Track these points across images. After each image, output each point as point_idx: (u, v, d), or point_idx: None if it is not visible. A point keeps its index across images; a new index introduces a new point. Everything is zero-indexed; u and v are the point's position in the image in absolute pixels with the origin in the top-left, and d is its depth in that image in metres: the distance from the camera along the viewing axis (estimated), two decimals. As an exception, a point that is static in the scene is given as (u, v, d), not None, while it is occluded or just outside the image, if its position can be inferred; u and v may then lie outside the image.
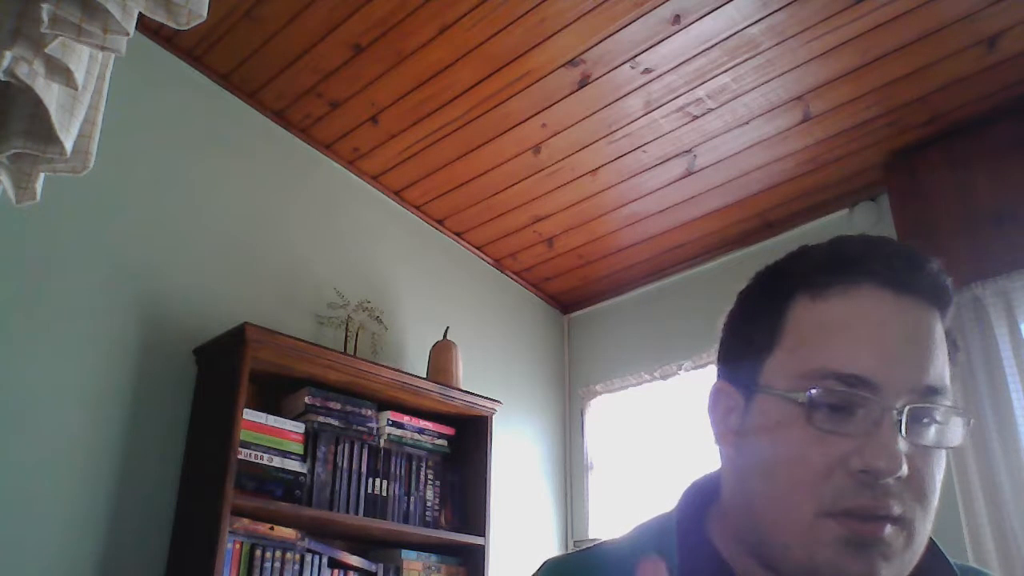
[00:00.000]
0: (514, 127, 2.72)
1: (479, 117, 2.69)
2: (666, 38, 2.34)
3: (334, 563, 2.40)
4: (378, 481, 2.54)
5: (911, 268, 0.64)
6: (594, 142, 2.76)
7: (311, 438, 2.42)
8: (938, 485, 0.61)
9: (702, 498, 0.72)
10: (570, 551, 3.03)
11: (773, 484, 0.62)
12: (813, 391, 0.61)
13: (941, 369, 0.62)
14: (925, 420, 0.61)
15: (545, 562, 0.74)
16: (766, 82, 2.45)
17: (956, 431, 0.62)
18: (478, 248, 3.39)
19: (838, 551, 0.59)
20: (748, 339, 0.68)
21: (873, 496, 0.58)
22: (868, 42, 2.27)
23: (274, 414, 2.38)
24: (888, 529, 0.58)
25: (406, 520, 2.57)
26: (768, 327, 0.66)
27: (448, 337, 2.92)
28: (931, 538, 0.67)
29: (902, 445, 0.59)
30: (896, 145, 2.64)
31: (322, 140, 2.89)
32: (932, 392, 0.61)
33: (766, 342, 0.66)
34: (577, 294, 3.62)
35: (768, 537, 0.63)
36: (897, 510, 0.59)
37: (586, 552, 0.74)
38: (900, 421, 0.59)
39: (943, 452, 0.62)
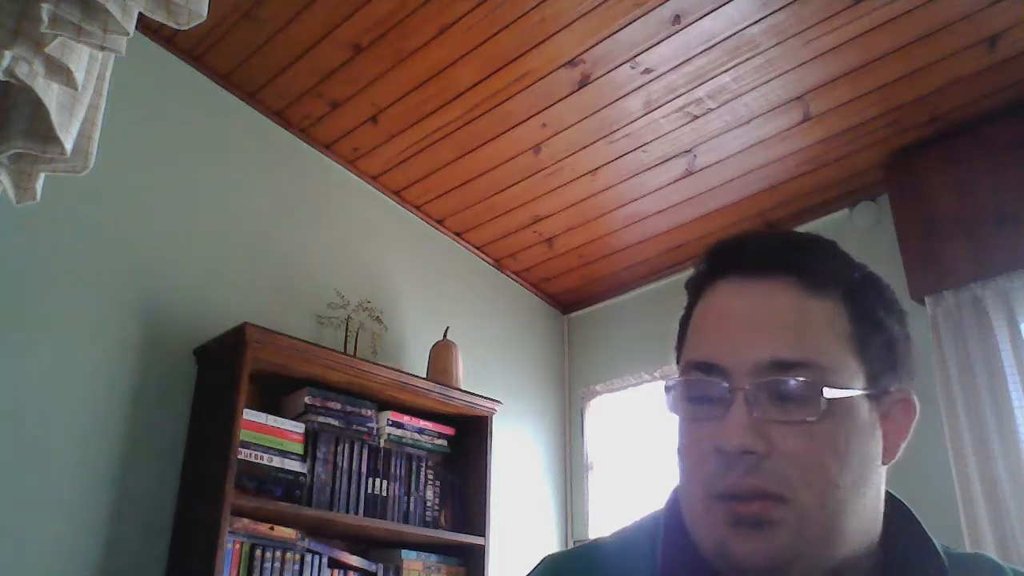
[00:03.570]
0: (514, 127, 2.72)
1: (479, 117, 2.69)
2: (666, 38, 2.34)
3: (334, 563, 2.40)
4: (378, 481, 2.54)
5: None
6: (594, 142, 2.76)
7: (311, 438, 2.42)
8: (826, 460, 0.60)
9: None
10: (569, 548, 3.02)
11: (680, 474, 0.67)
12: (671, 382, 0.66)
13: (796, 343, 0.62)
14: (779, 395, 0.61)
15: (543, 559, 0.76)
16: (766, 82, 2.45)
17: (820, 404, 0.60)
18: (478, 248, 3.39)
19: (727, 532, 0.61)
20: (678, 347, 0.73)
21: (736, 475, 0.60)
22: (868, 42, 2.27)
23: (274, 414, 2.38)
24: (769, 507, 0.59)
25: (406, 520, 2.57)
26: (682, 335, 0.72)
27: (448, 337, 2.92)
28: (921, 528, 0.67)
29: (745, 420, 0.60)
30: (896, 145, 2.64)
31: (322, 140, 2.89)
32: (781, 367, 0.61)
33: (681, 348, 0.71)
34: (577, 294, 3.62)
35: (688, 525, 0.66)
36: (771, 488, 0.59)
37: (583, 548, 0.76)
38: (747, 399, 0.61)
39: (826, 426, 0.60)
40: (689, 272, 0.73)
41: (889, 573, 0.65)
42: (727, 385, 0.62)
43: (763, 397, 0.61)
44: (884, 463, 0.65)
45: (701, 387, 0.64)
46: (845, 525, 0.61)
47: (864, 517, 0.63)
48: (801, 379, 0.61)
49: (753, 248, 0.67)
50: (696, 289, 0.71)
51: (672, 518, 0.71)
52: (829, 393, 0.60)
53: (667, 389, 0.70)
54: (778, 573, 0.60)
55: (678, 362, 0.71)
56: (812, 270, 0.65)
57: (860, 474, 0.62)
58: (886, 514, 0.67)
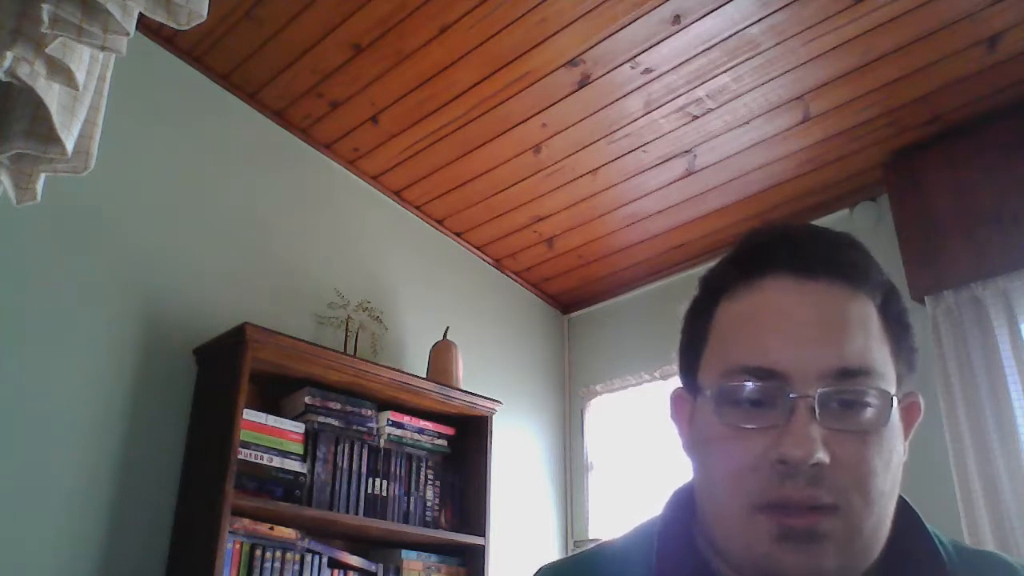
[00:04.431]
0: (514, 127, 2.72)
1: (479, 117, 2.69)
2: (666, 38, 2.34)
3: (334, 563, 2.40)
4: (378, 481, 2.54)
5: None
6: (594, 142, 2.76)
7: (311, 438, 2.42)
8: (877, 468, 0.59)
9: (686, 505, 0.71)
10: (567, 555, 3.03)
11: (712, 483, 0.64)
12: (723, 388, 0.62)
13: (860, 350, 0.60)
14: (843, 404, 0.59)
15: (541, 568, 0.75)
16: (766, 82, 2.45)
17: (880, 412, 0.59)
18: (478, 248, 3.39)
19: (773, 545, 0.58)
20: (689, 345, 0.69)
21: (796, 486, 0.58)
22: (868, 42, 2.27)
23: (274, 414, 2.38)
24: (821, 519, 0.58)
25: (406, 520, 2.57)
26: (701, 332, 0.68)
27: (448, 337, 2.92)
28: (922, 525, 0.67)
29: (816, 432, 0.58)
30: (896, 145, 2.64)
31: (322, 140, 2.89)
32: (847, 375, 0.59)
33: (701, 346, 0.68)
34: (577, 294, 3.62)
35: (718, 537, 0.64)
36: (826, 499, 0.58)
37: (580, 556, 0.75)
38: (813, 408, 0.58)
39: (879, 434, 0.59)
40: (691, 271, 0.72)
41: (890, 571, 0.65)
42: (789, 392, 0.59)
43: (826, 406, 0.59)
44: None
45: (755, 393, 0.61)
46: (881, 533, 0.61)
47: (889, 521, 0.63)
48: (865, 388, 0.59)
49: (803, 246, 0.64)
50: (724, 285, 0.67)
51: (670, 525, 0.70)
52: (893, 402, 0.60)
53: (677, 395, 0.68)
54: None
55: (693, 362, 0.68)
56: (859, 272, 0.63)
57: (896, 479, 0.62)
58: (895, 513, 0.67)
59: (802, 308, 0.62)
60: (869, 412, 0.59)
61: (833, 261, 0.63)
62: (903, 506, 0.68)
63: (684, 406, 0.70)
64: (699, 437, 0.66)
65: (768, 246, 0.65)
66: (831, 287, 0.62)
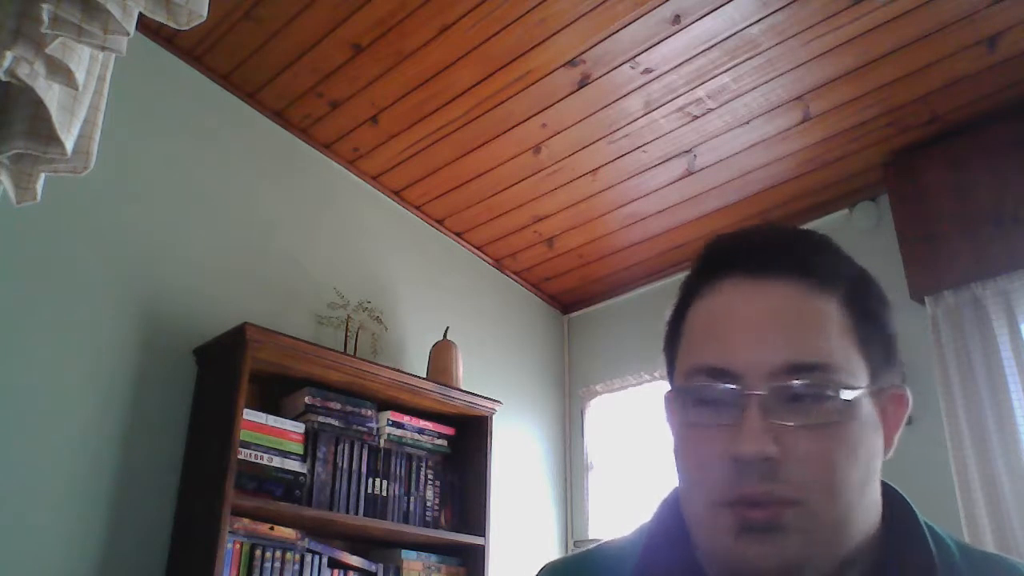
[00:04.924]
0: (514, 127, 2.72)
1: (479, 117, 2.69)
2: (666, 38, 2.34)
3: (334, 563, 2.40)
4: (378, 481, 2.54)
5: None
6: (594, 142, 2.76)
7: (311, 438, 2.42)
8: (839, 461, 0.59)
9: (679, 504, 0.72)
10: (568, 553, 3.03)
11: (682, 481, 0.66)
12: (685, 388, 0.64)
13: (811, 345, 0.61)
14: (795, 399, 0.60)
15: (543, 567, 0.77)
16: (766, 82, 2.45)
17: (838, 406, 0.60)
18: (478, 248, 3.39)
19: (736, 538, 0.60)
20: (667, 348, 0.71)
21: (752, 482, 0.59)
22: (868, 42, 2.27)
23: (274, 414, 2.38)
24: (781, 511, 0.59)
25: (406, 520, 2.57)
26: (676, 335, 0.70)
27: (448, 337, 2.92)
28: (916, 520, 0.67)
29: (766, 428, 0.59)
30: (896, 145, 2.64)
31: (322, 140, 2.89)
32: (797, 370, 0.60)
33: (675, 349, 0.69)
34: (577, 294, 3.62)
35: (691, 535, 0.66)
36: (785, 493, 0.59)
37: (580, 554, 0.77)
38: (764, 405, 0.60)
39: (839, 427, 0.60)
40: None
41: (883, 567, 0.65)
42: (741, 390, 0.61)
43: (779, 402, 0.60)
44: (884, 458, 0.65)
45: (710, 392, 0.62)
46: (852, 524, 0.61)
47: (867, 513, 0.63)
48: (818, 382, 0.60)
49: (758, 246, 0.66)
50: (694, 288, 0.69)
51: (660, 524, 0.71)
52: (845, 394, 0.60)
53: (667, 397, 0.69)
54: None
55: (671, 365, 0.70)
56: (817, 269, 0.64)
57: (867, 472, 0.62)
58: (884, 506, 0.67)
59: (755, 307, 0.63)
60: (824, 406, 0.60)
61: (786, 259, 0.64)
62: (895, 499, 0.68)
63: (671, 407, 0.72)
64: (673, 436, 0.68)
65: (727, 249, 0.68)
66: (786, 285, 0.63)
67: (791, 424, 0.59)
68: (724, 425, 0.61)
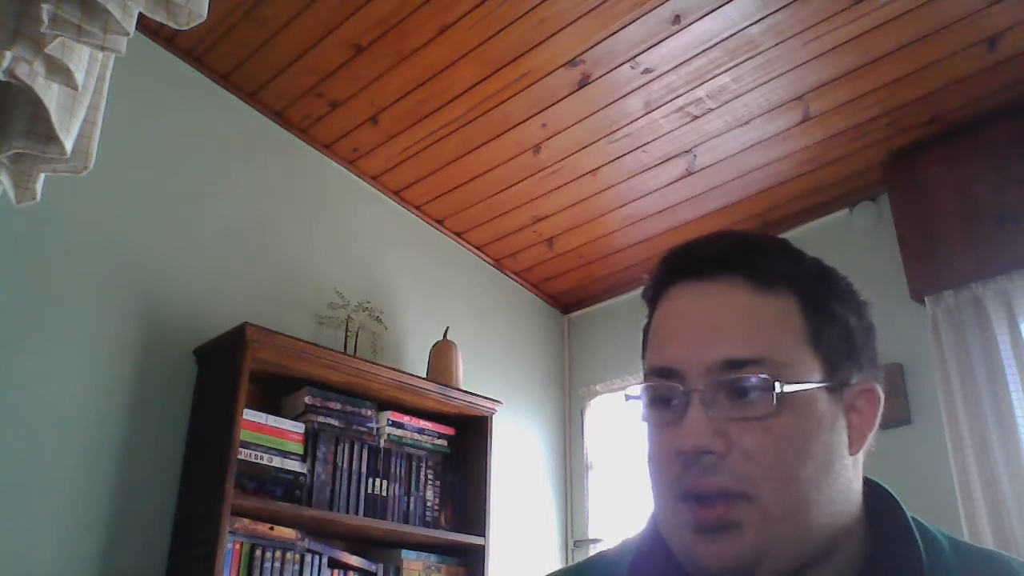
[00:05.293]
0: (514, 127, 2.72)
1: (479, 117, 2.69)
2: (666, 38, 2.34)
3: (334, 563, 2.40)
4: (378, 481, 2.54)
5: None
6: (594, 142, 2.76)
7: (311, 438, 2.42)
8: (786, 454, 0.60)
9: None
10: (566, 555, 3.01)
11: (649, 481, 0.68)
12: (641, 389, 0.67)
13: (747, 340, 0.62)
14: (734, 393, 0.61)
15: None
16: (766, 82, 2.45)
17: (780, 400, 0.60)
18: (478, 248, 3.39)
19: (692, 537, 0.62)
20: (643, 358, 0.74)
21: (696, 476, 0.61)
22: (868, 42, 2.27)
23: (274, 414, 2.38)
24: (730, 508, 0.60)
25: (406, 520, 2.57)
26: (644, 344, 0.73)
27: (448, 337, 2.92)
28: (903, 516, 0.66)
29: (704, 422, 0.61)
30: (896, 145, 2.64)
31: (322, 140, 2.89)
32: (734, 365, 0.62)
33: (645, 357, 0.73)
34: (577, 294, 3.62)
35: (663, 532, 0.67)
36: (731, 486, 0.60)
37: (579, 565, 0.78)
38: (703, 400, 0.62)
39: (785, 420, 0.61)
40: None
41: (869, 563, 0.65)
42: (682, 388, 0.63)
43: (718, 396, 0.62)
44: (852, 453, 0.65)
45: (659, 391, 0.65)
46: (810, 519, 0.61)
47: (832, 510, 0.63)
48: (753, 376, 0.61)
49: (702, 251, 0.68)
50: (653, 297, 0.72)
51: (648, 531, 0.73)
52: (785, 388, 0.61)
53: (629, 398, 0.71)
54: (745, 573, 0.60)
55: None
56: (761, 268, 0.65)
57: (823, 466, 0.62)
58: (867, 504, 0.66)
59: (696, 308, 0.66)
60: (764, 399, 0.61)
61: (729, 261, 0.66)
62: (879, 495, 0.68)
63: None
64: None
65: (678, 257, 0.70)
66: (728, 285, 0.65)
67: (733, 418, 0.61)
68: (672, 422, 0.64)
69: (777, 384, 0.61)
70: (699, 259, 0.68)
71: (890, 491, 0.69)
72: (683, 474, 0.62)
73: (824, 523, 0.62)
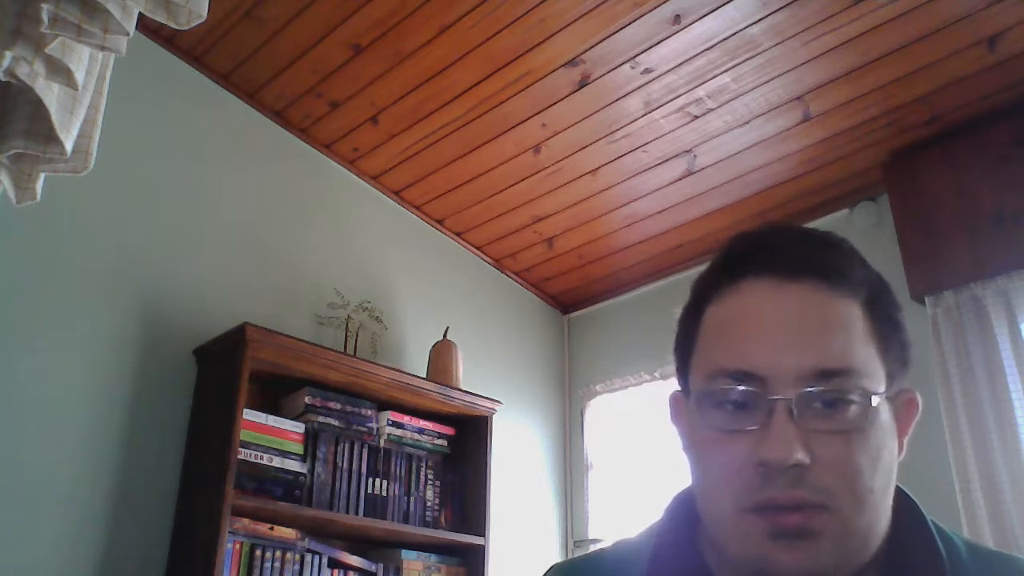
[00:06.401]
0: (514, 127, 2.72)
1: (479, 117, 2.69)
2: (666, 38, 2.34)
3: (334, 563, 2.40)
4: (378, 481, 2.54)
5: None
6: (594, 142, 2.76)
7: (311, 438, 2.42)
8: (863, 467, 0.59)
9: (688, 506, 0.71)
10: (567, 554, 3.02)
11: (703, 486, 0.65)
12: (705, 391, 0.63)
13: (839, 350, 0.60)
14: (824, 404, 0.59)
15: (551, 567, 0.77)
16: (766, 82, 2.45)
17: (864, 411, 0.59)
18: (478, 248, 3.39)
19: (766, 544, 0.59)
20: (681, 349, 0.70)
21: (779, 488, 0.58)
22: (868, 42, 2.27)
23: (274, 414, 2.38)
24: (811, 517, 0.58)
25: (406, 520, 2.57)
26: (691, 335, 0.68)
27: (448, 337, 2.92)
28: (925, 521, 0.66)
29: (795, 433, 0.58)
30: (896, 145, 2.64)
31: (322, 140, 2.89)
32: (826, 375, 0.59)
33: (690, 350, 0.68)
34: (577, 294, 3.62)
35: (715, 540, 0.65)
36: (811, 498, 0.58)
37: (590, 555, 0.78)
38: (791, 409, 0.59)
39: (864, 433, 0.60)
40: (691, 271, 0.72)
41: (891, 568, 0.65)
42: (767, 394, 0.60)
43: (806, 406, 0.59)
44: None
45: (734, 396, 0.62)
46: (876, 528, 0.61)
47: (887, 517, 0.63)
48: (845, 387, 0.59)
49: (782, 247, 0.65)
50: (712, 287, 0.67)
51: (669, 525, 0.71)
52: (871, 400, 0.60)
53: (675, 397, 0.68)
54: None
55: (684, 366, 0.69)
56: (840, 272, 0.63)
57: (888, 476, 0.62)
58: (894, 509, 0.66)
59: (780, 310, 0.62)
60: (852, 411, 0.59)
61: (812, 262, 0.63)
62: (904, 501, 0.68)
63: (681, 408, 0.71)
64: (690, 439, 0.68)
65: (749, 250, 0.67)
66: (811, 288, 0.62)
67: (819, 429, 0.59)
68: (749, 430, 0.60)
69: (874, 398, 0.60)
70: (778, 256, 0.64)
71: (909, 494, 0.68)
72: (762, 486, 0.59)
73: (882, 531, 0.62)
